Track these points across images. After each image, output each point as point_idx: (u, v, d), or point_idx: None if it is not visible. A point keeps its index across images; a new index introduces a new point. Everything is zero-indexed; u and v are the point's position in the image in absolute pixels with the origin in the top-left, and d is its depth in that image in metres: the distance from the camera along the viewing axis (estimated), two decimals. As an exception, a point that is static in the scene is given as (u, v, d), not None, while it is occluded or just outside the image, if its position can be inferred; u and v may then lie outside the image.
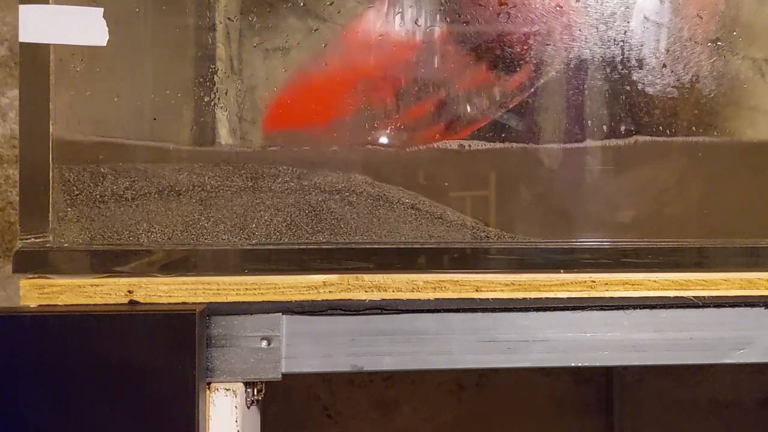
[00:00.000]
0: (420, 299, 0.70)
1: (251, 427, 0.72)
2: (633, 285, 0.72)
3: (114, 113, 0.72)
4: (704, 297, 0.72)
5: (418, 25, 0.72)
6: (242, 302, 0.69)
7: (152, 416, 0.64)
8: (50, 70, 0.70)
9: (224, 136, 0.73)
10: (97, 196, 0.70)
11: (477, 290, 0.71)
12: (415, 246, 0.72)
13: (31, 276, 0.69)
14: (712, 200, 0.77)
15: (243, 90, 0.73)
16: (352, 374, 1.29)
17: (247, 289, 0.69)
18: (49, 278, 0.69)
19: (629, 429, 1.32)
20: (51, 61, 0.69)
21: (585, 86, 0.74)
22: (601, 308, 0.71)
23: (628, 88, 0.74)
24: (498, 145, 0.74)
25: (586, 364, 0.71)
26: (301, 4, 0.72)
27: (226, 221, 0.71)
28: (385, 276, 0.70)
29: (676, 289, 0.72)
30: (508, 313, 0.71)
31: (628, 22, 0.74)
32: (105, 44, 0.70)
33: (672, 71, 0.74)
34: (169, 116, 0.72)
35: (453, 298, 0.70)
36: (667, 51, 0.74)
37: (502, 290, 0.71)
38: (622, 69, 0.74)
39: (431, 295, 0.70)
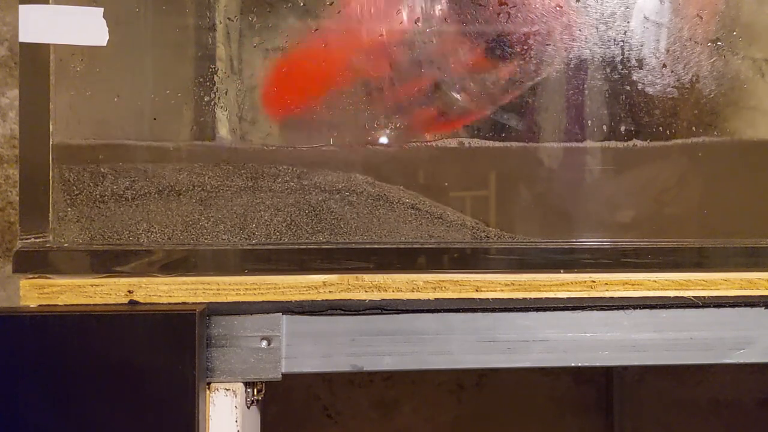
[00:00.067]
0: (420, 299, 0.70)
1: (251, 427, 0.72)
2: (633, 285, 0.72)
3: (114, 113, 0.72)
4: (704, 297, 0.72)
5: (417, 25, 0.72)
6: (242, 302, 0.69)
7: (152, 416, 0.64)
8: (50, 70, 0.70)
9: (224, 135, 0.73)
10: (97, 196, 0.71)
11: (477, 290, 0.71)
12: (415, 246, 0.72)
13: (31, 276, 0.69)
14: (712, 200, 0.77)
15: (243, 90, 0.73)
16: (352, 374, 1.29)
17: (247, 289, 0.69)
18: (49, 278, 0.69)
19: (629, 429, 1.32)
20: (51, 61, 0.70)
21: (585, 86, 0.74)
22: (601, 308, 0.71)
23: (628, 88, 0.74)
24: (498, 144, 0.74)
25: (586, 364, 0.71)
26: (301, 4, 0.72)
27: (226, 221, 0.71)
28: (385, 276, 0.70)
29: (676, 289, 0.72)
30: (508, 313, 0.71)
31: (628, 22, 0.74)
32: (105, 44, 0.70)
33: (672, 71, 0.74)
34: (169, 116, 0.72)
35: (453, 298, 0.70)
36: (667, 51, 0.74)
37: (502, 290, 0.71)
38: (622, 69, 0.74)
39: (431, 295, 0.70)
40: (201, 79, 0.72)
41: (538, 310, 0.71)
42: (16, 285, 0.69)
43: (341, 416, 1.31)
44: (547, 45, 0.73)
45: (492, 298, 0.71)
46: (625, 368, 1.29)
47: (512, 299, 0.71)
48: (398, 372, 1.28)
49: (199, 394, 0.65)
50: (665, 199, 0.75)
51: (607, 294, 0.71)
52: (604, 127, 0.74)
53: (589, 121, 0.74)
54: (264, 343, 0.68)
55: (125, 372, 0.64)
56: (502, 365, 0.71)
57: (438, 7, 0.73)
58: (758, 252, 0.74)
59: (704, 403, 1.34)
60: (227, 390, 0.68)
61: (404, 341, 0.70)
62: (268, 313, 0.69)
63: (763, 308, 0.72)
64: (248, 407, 0.70)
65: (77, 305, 0.68)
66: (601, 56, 0.74)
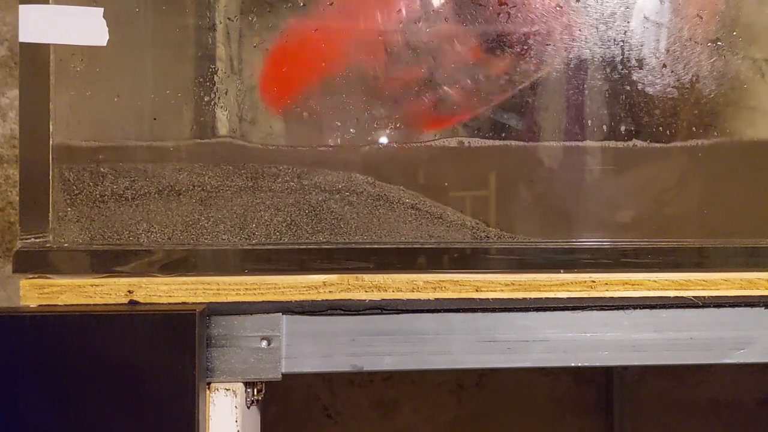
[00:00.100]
0: (420, 299, 0.70)
1: (251, 427, 0.72)
2: (633, 285, 0.72)
3: (114, 113, 0.72)
4: (704, 297, 0.72)
5: (417, 24, 0.72)
6: (242, 302, 0.69)
7: (152, 416, 0.64)
8: (50, 70, 0.70)
9: (224, 135, 0.73)
10: (97, 196, 0.71)
11: (477, 290, 0.71)
12: (415, 246, 0.72)
13: (31, 276, 0.69)
14: (712, 200, 0.77)
15: (243, 90, 0.73)
16: (352, 374, 1.29)
17: (247, 289, 0.69)
18: (49, 278, 0.69)
19: (629, 429, 1.32)
20: (51, 61, 0.70)
21: (585, 86, 0.74)
22: (601, 308, 0.71)
23: (628, 88, 0.74)
24: (497, 143, 0.74)
25: (586, 364, 0.71)
26: (301, 4, 0.72)
27: (226, 221, 0.71)
28: (385, 276, 0.70)
29: (676, 289, 0.72)
30: (508, 313, 0.71)
31: (628, 22, 0.74)
32: (105, 44, 0.70)
33: (672, 71, 0.74)
34: (169, 116, 0.72)
35: (453, 298, 0.70)
36: (667, 51, 0.74)
37: (502, 290, 0.71)
38: (622, 69, 0.74)
39: (431, 295, 0.70)
40: (201, 79, 0.72)
41: (538, 310, 0.71)
42: (16, 285, 0.69)
43: (341, 416, 1.31)
44: (547, 45, 0.73)
45: (492, 298, 0.71)
46: (625, 368, 1.29)
47: (512, 299, 0.71)
48: (398, 372, 1.28)
49: (199, 394, 0.65)
50: (665, 199, 0.75)
51: (607, 294, 0.71)
52: (604, 127, 0.74)
53: (589, 121, 0.74)
54: (264, 343, 0.68)
55: (125, 372, 0.64)
56: (502, 365, 0.71)
57: (438, 6, 0.73)
58: (758, 252, 0.74)
59: (704, 403, 1.34)
60: (227, 390, 0.68)
61: (404, 341, 0.70)
62: (268, 313, 0.69)
63: (763, 308, 0.72)
64: (248, 407, 0.70)
65: (77, 305, 0.68)
66: (601, 56, 0.74)
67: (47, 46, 0.69)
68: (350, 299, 0.70)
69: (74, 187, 0.70)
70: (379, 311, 0.70)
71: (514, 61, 0.73)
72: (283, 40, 0.72)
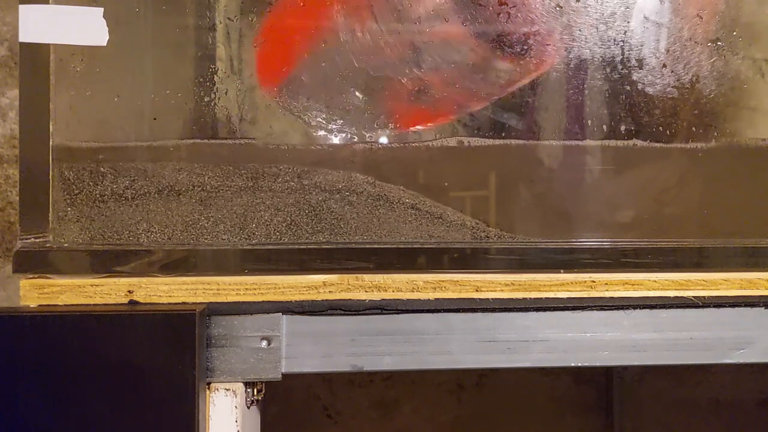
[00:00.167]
0: (420, 299, 0.70)
1: (251, 427, 0.72)
2: (633, 285, 0.72)
3: (114, 113, 0.72)
4: (704, 297, 0.72)
5: (425, 30, 0.72)
6: (242, 302, 0.69)
7: (152, 416, 0.64)
8: (50, 70, 0.70)
9: (224, 135, 0.73)
10: (97, 196, 0.71)
11: (477, 290, 0.71)
12: (415, 246, 0.72)
13: (31, 276, 0.69)
14: (712, 200, 0.77)
15: (243, 90, 0.73)
16: (352, 374, 1.29)
17: (247, 289, 0.69)
18: (49, 278, 0.69)
19: (629, 429, 1.32)
20: (51, 61, 0.70)
21: (585, 86, 0.74)
22: (601, 308, 0.71)
23: (628, 88, 0.74)
24: (497, 142, 0.74)
25: (586, 364, 0.71)
26: (301, 4, 0.72)
27: (226, 221, 0.71)
28: (385, 276, 0.70)
29: (676, 289, 0.72)
30: (508, 313, 0.71)
31: (628, 22, 0.74)
32: (105, 44, 0.70)
33: (672, 71, 0.74)
34: (169, 116, 0.72)
35: (453, 298, 0.70)
36: (667, 51, 0.74)
37: (502, 290, 0.71)
38: (622, 69, 0.74)
39: (431, 295, 0.70)
40: (201, 79, 0.72)
41: (538, 310, 0.71)
42: (16, 285, 0.69)
43: (341, 416, 1.31)
44: (547, 45, 0.73)
45: (492, 298, 0.71)
46: (625, 368, 1.29)
47: (512, 299, 0.71)
48: (398, 372, 1.28)
49: (199, 394, 0.65)
50: (665, 199, 0.75)
51: (607, 294, 0.71)
52: (604, 127, 0.74)
53: (589, 121, 0.74)
54: (264, 343, 0.68)
55: (125, 372, 0.64)
56: (502, 365, 0.71)
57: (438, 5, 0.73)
58: (758, 252, 0.74)
59: (704, 403, 1.34)
60: (227, 390, 0.68)
61: (404, 341, 0.70)
62: (268, 313, 0.69)
63: (763, 308, 0.72)
64: (248, 407, 0.70)
65: (77, 305, 0.68)
66: (601, 56, 0.74)
67: (47, 46, 0.69)
68: (350, 299, 0.70)
69: (74, 187, 0.70)
70: (379, 311, 0.70)
71: (513, 59, 0.73)
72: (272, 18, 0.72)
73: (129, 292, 0.69)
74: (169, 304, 0.69)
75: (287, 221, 0.72)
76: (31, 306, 0.68)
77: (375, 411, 1.31)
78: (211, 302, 0.69)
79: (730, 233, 0.75)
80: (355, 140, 0.73)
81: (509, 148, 0.74)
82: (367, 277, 0.70)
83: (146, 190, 0.71)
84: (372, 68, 0.72)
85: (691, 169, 0.76)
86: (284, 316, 0.69)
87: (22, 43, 0.69)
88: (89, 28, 0.69)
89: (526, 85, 0.74)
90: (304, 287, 0.70)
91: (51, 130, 0.70)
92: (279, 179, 0.72)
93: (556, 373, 1.31)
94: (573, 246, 0.73)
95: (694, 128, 0.75)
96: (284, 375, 0.69)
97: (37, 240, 0.69)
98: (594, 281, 0.71)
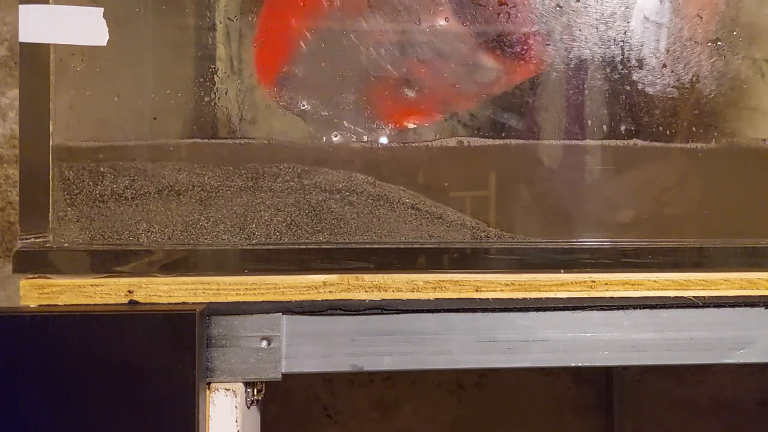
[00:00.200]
0: (420, 299, 0.70)
1: (251, 427, 0.72)
2: (633, 285, 0.72)
3: (114, 113, 0.72)
4: (704, 297, 0.72)
5: (417, 24, 0.72)
6: (242, 302, 0.69)
7: (152, 416, 0.64)
8: (50, 70, 0.70)
9: (224, 135, 0.73)
10: (97, 196, 0.71)
11: (477, 290, 0.71)
12: (415, 246, 0.72)
13: (31, 276, 0.69)
14: (712, 200, 0.77)
15: (243, 90, 0.73)
16: (352, 374, 1.29)
17: (247, 289, 0.69)
18: (49, 278, 0.69)
19: (629, 429, 1.32)
20: (51, 61, 0.69)
21: (585, 86, 0.74)
22: (601, 308, 0.71)
23: (628, 88, 0.74)
24: (497, 142, 0.74)
25: (586, 364, 0.71)
26: (301, 4, 0.72)
27: (226, 221, 0.71)
28: (385, 276, 0.70)
29: (676, 289, 0.72)
30: (508, 313, 0.71)
31: (628, 22, 0.74)
32: (105, 44, 0.70)
33: (672, 71, 0.74)
34: (169, 116, 0.72)
35: (453, 298, 0.70)
36: (667, 51, 0.74)
37: (502, 290, 0.71)
38: (622, 69, 0.74)
39: (431, 295, 0.70)
40: (201, 79, 0.72)
41: (538, 310, 0.71)
42: (16, 285, 0.69)
43: (341, 416, 1.31)
44: (547, 45, 0.73)
45: (492, 298, 0.71)
46: (625, 368, 1.29)
47: (512, 299, 0.71)
48: (398, 372, 1.28)
49: (199, 394, 0.65)
50: (665, 199, 0.75)
51: (607, 294, 0.71)
52: (604, 127, 0.74)
53: (589, 121, 0.74)
54: (264, 343, 0.68)
55: (125, 372, 0.64)
56: (502, 365, 0.71)
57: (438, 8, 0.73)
58: (758, 252, 0.74)
59: (704, 403, 1.34)
60: (227, 390, 0.68)
61: (404, 341, 0.70)
62: (268, 313, 0.69)
63: (763, 308, 0.72)
64: (248, 407, 0.70)
65: (77, 305, 0.68)
66: (601, 56, 0.74)
67: (47, 46, 0.69)
68: (350, 299, 0.70)
69: (74, 187, 0.70)
70: (379, 311, 0.70)
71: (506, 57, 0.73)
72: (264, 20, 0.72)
73: (129, 292, 0.69)
74: (169, 304, 0.69)
75: (287, 221, 0.72)
76: (31, 306, 0.68)
77: (375, 411, 1.31)
78: (211, 302, 0.69)
79: (730, 233, 0.75)
80: (354, 138, 0.73)
81: (509, 148, 0.74)
82: (367, 277, 0.70)
83: (146, 190, 0.71)
84: (366, 63, 0.72)
85: (691, 169, 0.76)
86: (284, 316, 0.69)
87: (22, 43, 0.69)
88: (89, 28, 0.69)
89: (521, 85, 0.74)
90: (304, 287, 0.70)
91: (51, 129, 0.70)
92: (279, 179, 0.72)
93: (556, 373, 1.31)
94: (573, 246, 0.73)
95: (694, 128, 0.75)
96: (284, 375, 0.69)
97: (37, 240, 0.69)
98: (594, 281, 0.71)
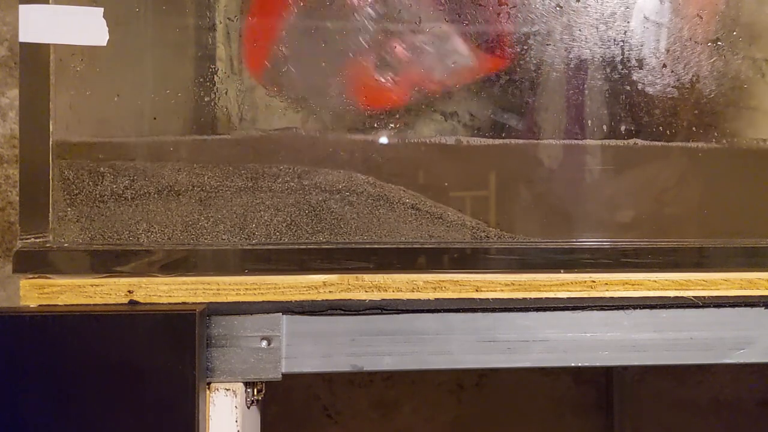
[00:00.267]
0: (420, 299, 0.70)
1: (251, 427, 0.72)
2: (633, 285, 0.72)
3: (114, 113, 0.72)
4: (704, 297, 0.72)
5: (417, 24, 0.72)
6: (242, 302, 0.69)
7: (152, 416, 0.64)
8: (50, 70, 0.70)
9: (224, 135, 0.73)
10: (97, 196, 0.71)
11: (477, 290, 0.71)
12: (415, 246, 0.72)
13: (31, 276, 0.69)
14: (712, 200, 0.77)
15: (243, 90, 0.73)
16: (352, 374, 1.29)
17: (247, 289, 0.69)
18: (49, 278, 0.69)
19: (629, 429, 1.32)
20: (51, 61, 0.69)
21: (585, 86, 0.74)
22: (601, 308, 0.71)
23: (628, 87, 0.74)
24: (497, 143, 0.74)
25: (586, 364, 0.71)
26: (301, 3, 0.72)
27: (226, 221, 0.71)
28: (385, 276, 0.70)
29: (676, 289, 0.72)
30: (508, 313, 0.71)
31: (628, 22, 0.74)
32: (105, 44, 0.70)
33: (672, 71, 0.74)
34: (169, 116, 0.72)
35: (453, 298, 0.70)
36: (667, 51, 0.74)
37: (502, 290, 0.71)
38: (622, 69, 0.74)
39: (431, 295, 0.70)
40: (201, 79, 0.72)
41: (538, 310, 0.71)
42: (16, 285, 0.69)
43: (341, 416, 1.31)
44: (548, 45, 0.73)
45: (492, 298, 0.71)
46: (625, 368, 1.29)
47: (512, 299, 0.71)
48: (398, 372, 1.28)
49: (199, 394, 0.65)
50: (665, 199, 0.75)
51: (607, 294, 0.71)
52: (604, 127, 0.74)
53: (590, 121, 0.74)
54: (264, 343, 0.68)
55: (125, 372, 0.64)
56: (502, 365, 0.71)
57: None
58: (758, 252, 0.74)
59: (704, 403, 1.34)
60: (227, 390, 0.68)
61: (404, 341, 0.70)
62: (268, 313, 0.69)
63: (763, 308, 0.72)
64: (248, 407, 0.70)
65: (77, 305, 0.68)
66: (601, 56, 0.74)
67: (47, 46, 0.69)
68: (350, 299, 0.70)
69: (74, 187, 0.70)
70: (379, 311, 0.70)
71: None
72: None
73: (129, 292, 0.69)
74: (169, 304, 0.69)
75: (287, 221, 0.72)
76: (31, 306, 0.68)
77: (375, 411, 1.31)
78: (211, 302, 0.69)
79: (730, 233, 0.75)
80: (352, 135, 0.73)
81: (509, 148, 0.74)
82: (367, 277, 0.70)
83: (146, 190, 0.71)
84: (346, 46, 0.72)
85: (691, 169, 0.76)
86: (284, 316, 0.69)
87: (22, 43, 0.69)
88: (89, 28, 0.69)
89: (520, 85, 0.74)
90: (304, 287, 0.70)
91: (51, 129, 0.70)
92: (279, 179, 0.72)
93: (556, 373, 1.31)
94: (573, 246, 0.73)
95: (694, 128, 0.75)
96: (284, 375, 0.69)
97: (37, 240, 0.69)
98: (594, 281, 0.71)
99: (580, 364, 0.71)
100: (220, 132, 0.73)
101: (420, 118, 0.74)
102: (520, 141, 0.74)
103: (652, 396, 1.33)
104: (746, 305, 0.72)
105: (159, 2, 0.72)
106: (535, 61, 0.73)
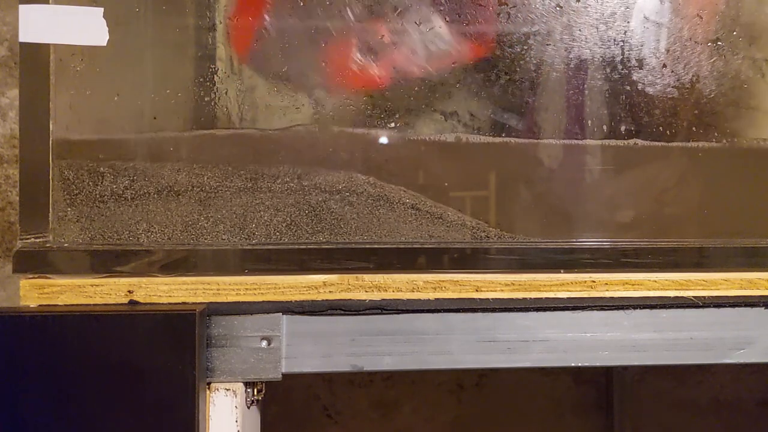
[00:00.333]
0: (420, 299, 0.70)
1: (251, 427, 0.72)
2: (633, 285, 0.72)
3: (114, 113, 0.72)
4: (704, 297, 0.72)
5: (417, 24, 0.72)
6: (242, 302, 0.69)
7: (152, 416, 0.64)
8: (50, 70, 0.70)
9: (224, 136, 0.73)
10: (97, 196, 0.71)
11: (477, 290, 0.71)
12: (415, 246, 0.72)
13: (31, 276, 0.69)
14: (712, 200, 0.77)
15: (243, 90, 0.73)
16: (352, 374, 1.29)
17: (247, 289, 0.69)
18: (49, 278, 0.69)
19: (629, 429, 1.32)
20: (51, 61, 0.70)
21: (585, 86, 0.74)
22: (601, 308, 0.71)
23: (628, 88, 0.74)
24: (497, 142, 0.74)
25: (586, 364, 0.71)
26: (301, 4, 0.72)
27: (225, 221, 0.71)
28: (385, 276, 0.70)
29: (676, 289, 0.72)
30: (508, 313, 0.71)
31: (628, 22, 0.74)
32: (105, 44, 0.70)
33: (672, 71, 0.74)
34: (169, 116, 0.72)
35: (453, 298, 0.70)
36: (667, 51, 0.74)
37: (502, 290, 0.71)
38: (622, 69, 0.74)
39: (431, 295, 0.70)
40: (201, 79, 0.72)
41: (538, 310, 0.71)
42: (16, 285, 0.69)
43: (341, 416, 1.31)
44: (548, 45, 0.73)
45: (492, 298, 0.71)
46: (625, 368, 1.29)
47: (512, 299, 0.71)
48: (398, 372, 1.28)
49: (199, 394, 0.65)
50: (665, 199, 0.75)
51: (607, 294, 0.71)
52: (605, 127, 0.74)
53: (590, 121, 0.74)
54: (264, 343, 0.68)
55: (125, 372, 0.64)
56: (502, 365, 0.71)
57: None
58: (758, 252, 0.74)
59: (704, 403, 1.34)
60: (227, 390, 0.68)
61: (404, 341, 0.70)
62: (268, 313, 0.69)
63: (763, 308, 0.72)
64: (248, 407, 0.70)
65: (77, 305, 0.68)
66: (601, 56, 0.74)
67: (47, 46, 0.69)
68: (350, 299, 0.70)
69: (74, 187, 0.70)
70: (379, 311, 0.70)
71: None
72: None
73: (129, 292, 0.69)
74: (169, 304, 0.69)
75: (287, 221, 0.72)
76: (31, 306, 0.68)
77: (375, 411, 1.31)
78: (211, 302, 0.69)
79: (730, 233, 0.75)
80: (352, 135, 0.73)
81: (509, 148, 0.74)
82: (367, 277, 0.70)
83: (146, 190, 0.71)
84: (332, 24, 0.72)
85: (691, 169, 0.76)
86: (284, 316, 0.69)
87: (22, 43, 0.69)
88: (89, 28, 0.69)
89: (520, 85, 0.74)
90: (304, 287, 0.70)
91: (51, 129, 0.70)
92: (278, 180, 0.72)
93: (556, 373, 1.31)
94: (573, 246, 0.73)
95: (694, 128, 0.75)
96: (284, 375, 0.69)
97: (37, 240, 0.69)
98: (594, 281, 0.71)
99: (580, 364, 0.71)
100: (220, 132, 0.73)
101: (420, 118, 0.74)
102: (520, 141, 0.74)
103: (652, 396, 1.33)
104: (746, 305, 0.72)
105: (159, 2, 0.72)
106: (535, 61, 0.73)
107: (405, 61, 0.72)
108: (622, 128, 0.74)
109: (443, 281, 0.70)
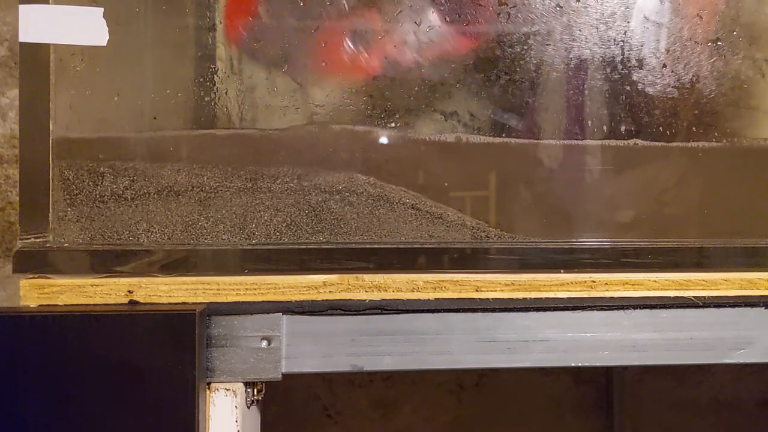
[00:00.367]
0: (420, 299, 0.70)
1: (251, 427, 0.72)
2: (633, 285, 0.72)
3: (114, 113, 0.72)
4: (704, 297, 0.72)
5: (417, 24, 0.72)
6: (242, 302, 0.69)
7: (152, 416, 0.64)
8: (50, 70, 0.70)
9: (224, 136, 0.73)
10: (97, 196, 0.71)
11: (477, 290, 0.71)
12: (415, 246, 0.72)
13: (31, 276, 0.69)
14: (712, 200, 0.77)
15: (243, 90, 0.73)
16: (352, 374, 1.29)
17: (247, 289, 0.69)
18: (49, 278, 0.69)
19: (629, 429, 1.32)
20: (51, 61, 0.70)
21: (585, 86, 0.74)
22: (601, 308, 0.71)
23: (628, 88, 0.74)
24: (497, 142, 0.74)
25: (586, 364, 0.71)
26: (301, 4, 0.72)
27: (225, 221, 0.71)
28: (385, 276, 0.70)
29: (676, 289, 0.72)
30: (508, 313, 0.71)
31: (628, 22, 0.74)
32: (105, 44, 0.70)
33: (672, 71, 0.74)
34: (169, 116, 0.72)
35: (453, 298, 0.70)
36: (667, 51, 0.74)
37: (502, 290, 0.71)
38: (622, 69, 0.74)
39: (431, 295, 0.70)
40: (201, 79, 0.72)
41: (538, 310, 0.71)
42: (16, 285, 0.69)
43: (341, 416, 1.31)
44: (548, 45, 0.73)
45: (492, 298, 0.71)
46: (625, 368, 1.29)
47: (512, 299, 0.71)
48: (398, 372, 1.28)
49: (199, 394, 0.65)
50: (665, 199, 0.75)
51: (607, 294, 0.71)
52: (605, 127, 0.74)
53: (590, 121, 0.74)
54: (264, 343, 0.68)
55: (125, 372, 0.64)
56: (502, 365, 0.71)
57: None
58: (758, 252, 0.74)
59: (704, 403, 1.34)
60: (227, 390, 0.68)
61: (404, 341, 0.70)
62: (268, 313, 0.69)
63: (763, 308, 0.72)
64: (248, 407, 0.70)
65: (77, 305, 0.68)
66: (601, 56, 0.74)
67: (47, 46, 0.69)
68: (350, 299, 0.70)
69: (74, 187, 0.70)
70: (379, 311, 0.70)
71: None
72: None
73: (129, 292, 0.69)
74: (169, 304, 0.69)
75: (287, 221, 0.72)
76: (31, 306, 0.68)
77: (375, 411, 1.31)
78: (211, 302, 0.69)
79: (730, 233, 0.75)
80: (352, 135, 0.73)
81: (509, 148, 0.74)
82: (367, 277, 0.70)
83: (146, 191, 0.71)
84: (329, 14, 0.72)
85: (691, 169, 0.76)
86: (284, 316, 0.69)
87: (22, 43, 0.69)
88: (89, 28, 0.69)
89: (521, 85, 0.74)
90: (304, 287, 0.70)
91: (51, 129, 0.70)
92: (278, 180, 0.72)
93: (556, 373, 1.31)
94: (573, 246, 0.73)
95: (694, 128, 0.75)
96: (284, 375, 0.69)
97: (37, 240, 0.69)
98: (594, 281, 0.71)
99: (580, 364, 0.71)
100: (220, 132, 0.73)
101: (420, 118, 0.74)
102: (520, 141, 0.74)
103: (652, 396, 1.33)
104: (746, 305, 0.72)
105: (159, 2, 0.72)
106: (535, 61, 0.73)
107: (404, 53, 0.72)
108: (622, 128, 0.74)
109: (443, 281, 0.70)
